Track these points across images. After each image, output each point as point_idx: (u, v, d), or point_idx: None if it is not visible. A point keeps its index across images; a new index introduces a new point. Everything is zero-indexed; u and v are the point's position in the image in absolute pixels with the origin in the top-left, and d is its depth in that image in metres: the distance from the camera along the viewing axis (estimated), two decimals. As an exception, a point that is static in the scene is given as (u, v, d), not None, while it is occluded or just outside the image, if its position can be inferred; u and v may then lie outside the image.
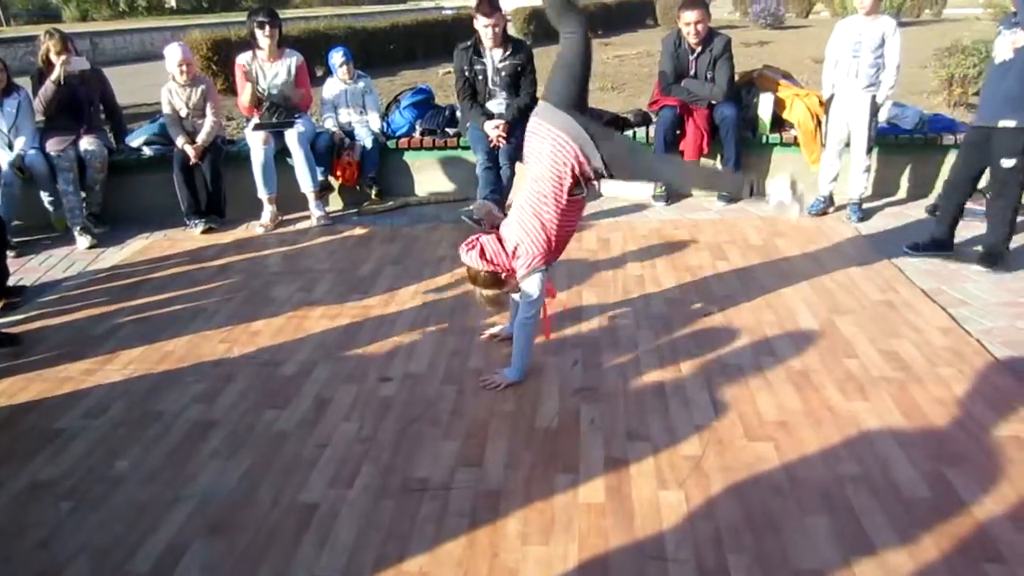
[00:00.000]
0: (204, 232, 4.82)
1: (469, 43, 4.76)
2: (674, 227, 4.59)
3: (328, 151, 5.04)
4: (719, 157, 5.03)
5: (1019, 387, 2.70)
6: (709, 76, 4.83)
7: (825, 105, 4.70)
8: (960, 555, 1.94)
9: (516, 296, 2.87)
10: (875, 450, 2.37)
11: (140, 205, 5.14)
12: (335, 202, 5.31)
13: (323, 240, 4.64)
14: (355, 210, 5.18)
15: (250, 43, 4.94)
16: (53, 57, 4.73)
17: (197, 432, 2.64)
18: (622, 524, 2.10)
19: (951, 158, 4.86)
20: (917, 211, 4.74)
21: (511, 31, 5.25)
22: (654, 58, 11.48)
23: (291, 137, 4.81)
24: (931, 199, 4.83)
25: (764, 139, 5.07)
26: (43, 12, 28.35)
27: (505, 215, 3.18)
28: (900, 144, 4.96)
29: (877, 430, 2.47)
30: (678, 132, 4.91)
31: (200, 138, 4.84)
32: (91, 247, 4.65)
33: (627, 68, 11.39)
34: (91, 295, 3.94)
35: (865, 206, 4.68)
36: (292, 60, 4.95)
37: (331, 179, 5.20)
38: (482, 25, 4.62)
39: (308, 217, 4.96)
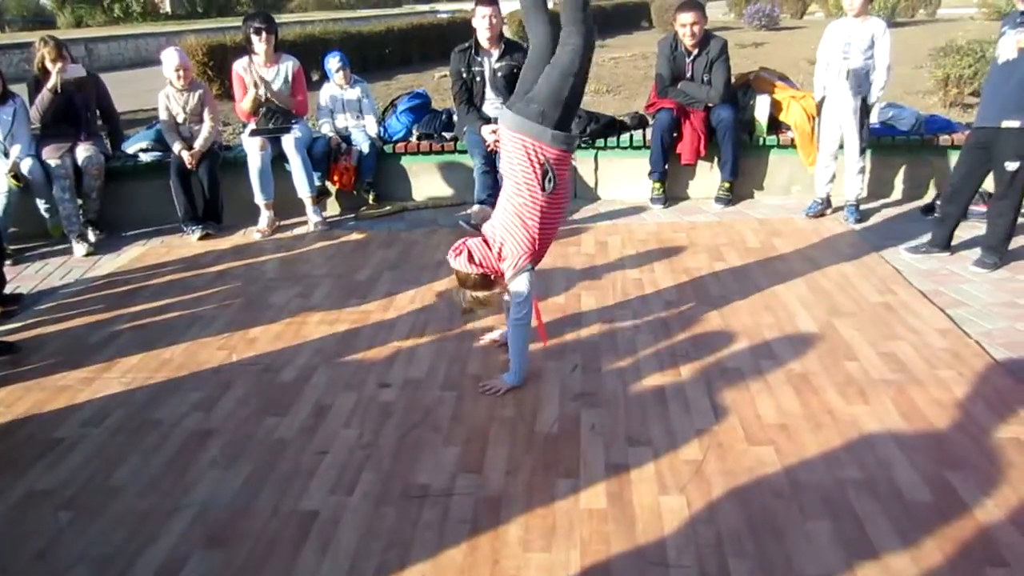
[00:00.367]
0: (201, 238, 4.81)
1: (467, 45, 4.77)
2: (672, 230, 4.59)
3: (325, 156, 5.04)
4: (716, 159, 5.04)
5: (1019, 389, 2.70)
6: (706, 79, 4.84)
7: (817, 107, 4.70)
8: (963, 559, 1.93)
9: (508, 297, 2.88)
10: (876, 453, 2.37)
11: (137, 212, 5.12)
12: (332, 207, 5.30)
13: (321, 245, 4.63)
14: (352, 215, 5.17)
15: (246, 49, 4.93)
16: (49, 64, 4.71)
17: (196, 440, 2.62)
18: (624, 530, 2.09)
19: (948, 159, 4.88)
20: (914, 212, 4.75)
21: (507, 33, 5.25)
22: (649, 60, 11.51)
23: (288, 142, 4.80)
24: (926, 199, 4.85)
25: (761, 141, 5.07)
26: (38, 18, 28.32)
27: None
28: (896, 145, 4.96)
29: (878, 433, 2.47)
30: (675, 135, 4.92)
31: (198, 144, 4.83)
32: (88, 254, 4.63)
33: (622, 70, 11.40)
34: (88, 303, 3.92)
35: (862, 207, 4.68)
36: (288, 65, 4.94)
37: (328, 184, 5.19)
38: (480, 16, 4.63)
39: (305, 222, 4.96)
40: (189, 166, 4.78)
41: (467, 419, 2.67)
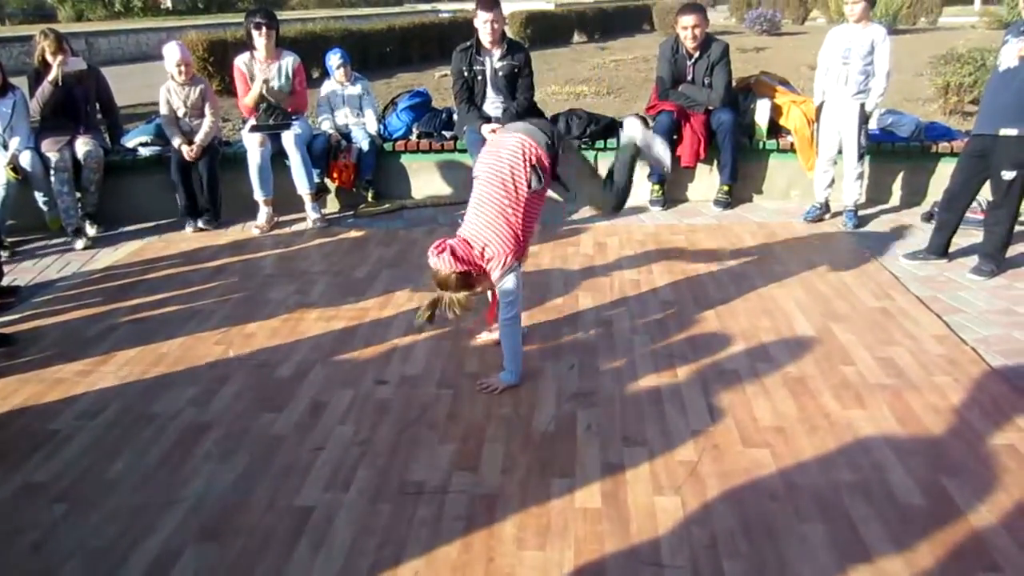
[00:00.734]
0: (196, 231, 4.82)
1: (469, 44, 4.78)
2: (670, 232, 4.59)
3: (325, 153, 5.04)
4: (716, 162, 5.05)
5: (1014, 396, 2.71)
6: (707, 81, 4.85)
7: (816, 112, 4.71)
8: (956, 564, 1.94)
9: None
10: (871, 457, 2.37)
11: (135, 206, 5.12)
12: (331, 204, 5.30)
13: (319, 242, 4.63)
14: (351, 212, 5.17)
15: (247, 44, 4.93)
16: (49, 57, 4.70)
17: (191, 435, 2.62)
18: (618, 529, 2.10)
19: (947, 166, 4.88)
20: (913, 218, 4.76)
21: (508, 34, 5.26)
22: (650, 63, 11.53)
23: (288, 139, 4.80)
24: (926, 206, 4.86)
25: (761, 145, 5.08)
26: (39, 12, 28.23)
27: None
28: (896, 151, 4.97)
29: (873, 437, 2.48)
30: (675, 137, 4.92)
31: (199, 138, 4.83)
32: (86, 248, 4.63)
33: (623, 73, 11.43)
34: (86, 296, 3.92)
35: (861, 213, 4.69)
36: (289, 61, 4.94)
37: (327, 181, 5.19)
38: (482, 21, 4.64)
39: (304, 219, 4.96)
40: (188, 158, 4.78)
41: (463, 417, 2.67)
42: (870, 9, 4.35)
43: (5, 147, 4.60)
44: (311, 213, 4.92)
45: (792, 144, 5.00)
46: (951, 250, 3.99)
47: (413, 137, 5.36)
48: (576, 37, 19.53)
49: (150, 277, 4.14)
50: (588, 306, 3.55)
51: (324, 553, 2.04)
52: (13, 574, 2.02)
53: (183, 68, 4.83)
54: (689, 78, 4.90)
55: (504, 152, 2.78)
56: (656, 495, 2.23)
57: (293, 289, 3.88)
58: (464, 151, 5.00)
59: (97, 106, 5.13)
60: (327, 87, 5.26)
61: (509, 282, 2.73)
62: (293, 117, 4.95)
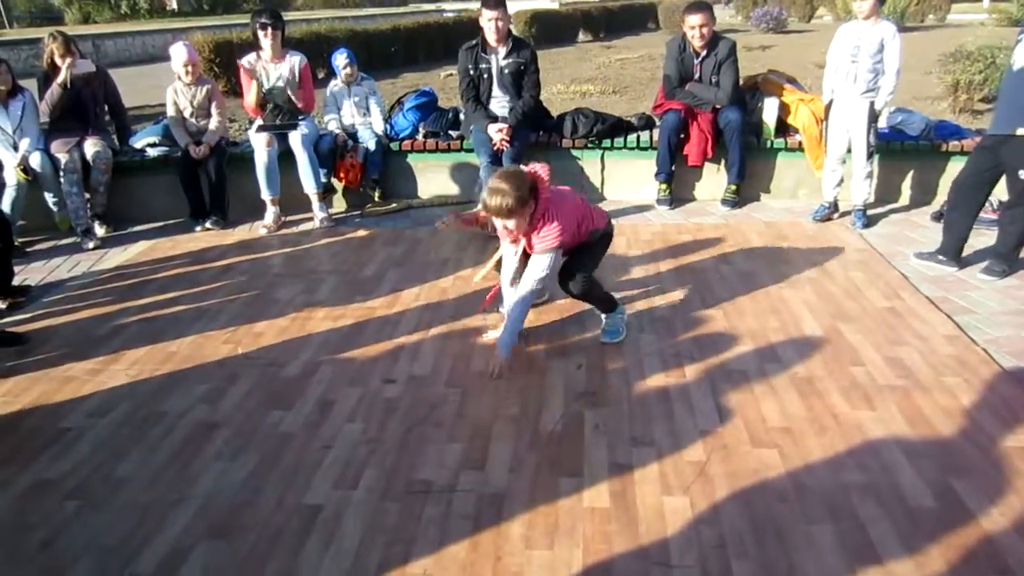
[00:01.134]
0: (204, 230, 4.84)
1: (474, 42, 4.78)
2: (678, 231, 4.59)
3: (331, 153, 5.05)
4: (723, 161, 5.04)
5: (1025, 395, 2.69)
6: (714, 80, 4.83)
7: (825, 111, 4.69)
8: (967, 567, 1.93)
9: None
10: (881, 459, 2.36)
11: (144, 206, 5.14)
12: (338, 204, 5.31)
13: (326, 242, 4.64)
14: (358, 212, 5.18)
15: (253, 45, 4.94)
16: (58, 59, 4.74)
17: (201, 433, 2.63)
18: (626, 529, 2.09)
19: (957, 165, 4.85)
20: (922, 217, 4.73)
21: (513, 32, 5.26)
22: (656, 62, 11.51)
23: (294, 139, 4.81)
24: (935, 206, 4.83)
25: (768, 144, 5.06)
26: (46, 14, 28.38)
27: None
28: (905, 150, 4.95)
29: (882, 438, 2.47)
30: (682, 136, 4.92)
31: (206, 137, 4.85)
32: (95, 248, 4.65)
33: (629, 71, 11.39)
34: (95, 295, 3.94)
35: (870, 212, 4.67)
36: (295, 61, 4.95)
37: (334, 181, 5.20)
38: (487, 19, 4.65)
39: (311, 219, 4.97)
40: (195, 156, 4.79)
41: (471, 416, 2.68)
42: (879, 5, 4.31)
43: (15, 149, 4.63)
44: (318, 213, 4.93)
45: (800, 143, 4.98)
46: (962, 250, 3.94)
47: (419, 137, 5.37)
48: (581, 36, 19.49)
49: (159, 277, 4.16)
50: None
51: (333, 551, 2.05)
52: (24, 571, 2.03)
53: (190, 68, 4.86)
54: (696, 76, 4.88)
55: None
56: (664, 495, 2.23)
57: (301, 288, 3.89)
58: (471, 151, 5.00)
59: (105, 107, 5.17)
60: (333, 87, 5.27)
61: (545, 260, 2.86)
62: (300, 117, 4.96)
